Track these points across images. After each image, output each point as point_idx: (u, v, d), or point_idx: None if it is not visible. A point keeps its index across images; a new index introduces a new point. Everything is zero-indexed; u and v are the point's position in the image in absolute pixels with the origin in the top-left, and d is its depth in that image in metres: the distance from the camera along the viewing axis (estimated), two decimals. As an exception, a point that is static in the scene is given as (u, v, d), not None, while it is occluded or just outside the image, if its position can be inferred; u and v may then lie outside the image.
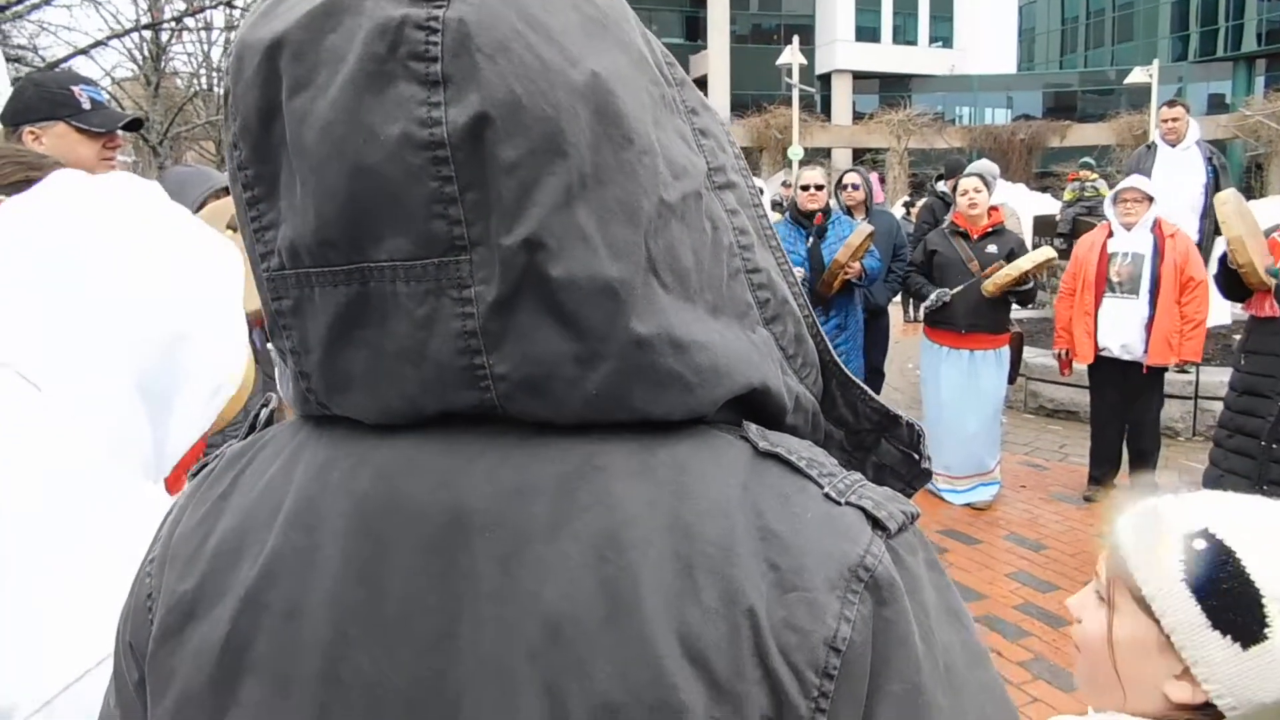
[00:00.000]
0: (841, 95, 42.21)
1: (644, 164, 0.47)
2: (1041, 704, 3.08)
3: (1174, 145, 6.69)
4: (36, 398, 1.02)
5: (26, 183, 1.58)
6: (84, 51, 10.85)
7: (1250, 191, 21.39)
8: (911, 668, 0.46)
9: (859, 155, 33.85)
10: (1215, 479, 3.55)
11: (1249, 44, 41.11)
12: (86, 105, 2.28)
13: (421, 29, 0.44)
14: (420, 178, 0.44)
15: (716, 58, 40.92)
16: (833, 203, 5.29)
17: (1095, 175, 10.57)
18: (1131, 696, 0.94)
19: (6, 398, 1.01)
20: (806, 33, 38.94)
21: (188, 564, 0.54)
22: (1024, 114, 41.60)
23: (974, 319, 4.86)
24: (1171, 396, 5.65)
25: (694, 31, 42.92)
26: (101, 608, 0.90)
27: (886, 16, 43.82)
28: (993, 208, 5.07)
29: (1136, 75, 21.12)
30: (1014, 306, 5.10)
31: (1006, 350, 5.03)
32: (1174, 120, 6.72)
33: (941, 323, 5.00)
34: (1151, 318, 4.50)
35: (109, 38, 11.43)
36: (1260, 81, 39.15)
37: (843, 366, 0.60)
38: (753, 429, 0.52)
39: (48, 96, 2.28)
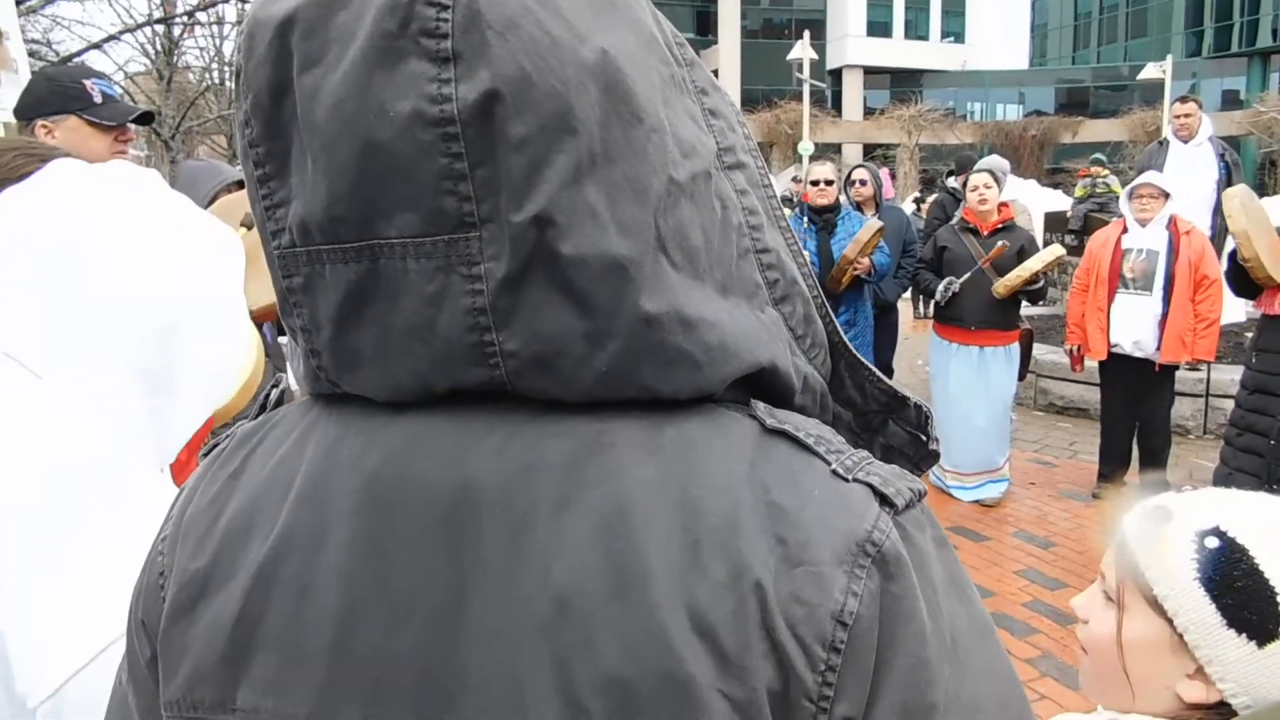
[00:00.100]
0: (852, 90, 42.04)
1: (653, 142, 0.47)
2: (1049, 701, 3.07)
3: (1186, 141, 6.64)
4: (37, 386, 1.02)
5: None
6: (97, 46, 10.92)
7: (1264, 188, 21.24)
8: (918, 642, 0.47)
9: (870, 151, 33.77)
10: (1224, 477, 3.54)
11: (1264, 39, 40.76)
12: (98, 99, 2.29)
13: (432, 5, 0.44)
14: (430, 154, 0.45)
15: (727, 52, 40.82)
16: (842, 198, 5.28)
17: (1107, 171, 10.50)
18: (1141, 697, 0.94)
19: (7, 386, 1.02)
20: (818, 28, 38.79)
21: (200, 542, 0.54)
22: (1036, 110, 41.38)
23: (984, 315, 4.84)
24: (1183, 394, 5.62)
25: (705, 26, 42.80)
26: (106, 593, 0.91)
27: (898, 11, 43.59)
28: (1003, 204, 5.04)
29: (1150, 71, 20.95)
30: (1024, 303, 5.08)
31: (1016, 347, 5.01)
32: (1186, 116, 6.68)
33: (951, 319, 4.98)
34: (1165, 315, 4.47)
35: (122, 32, 11.50)
36: (1275, 78, 38.83)
37: (851, 348, 0.60)
38: (760, 407, 0.52)
39: (60, 90, 2.29)
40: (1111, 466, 4.89)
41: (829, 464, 0.49)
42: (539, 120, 0.44)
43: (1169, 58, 21.32)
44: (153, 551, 0.59)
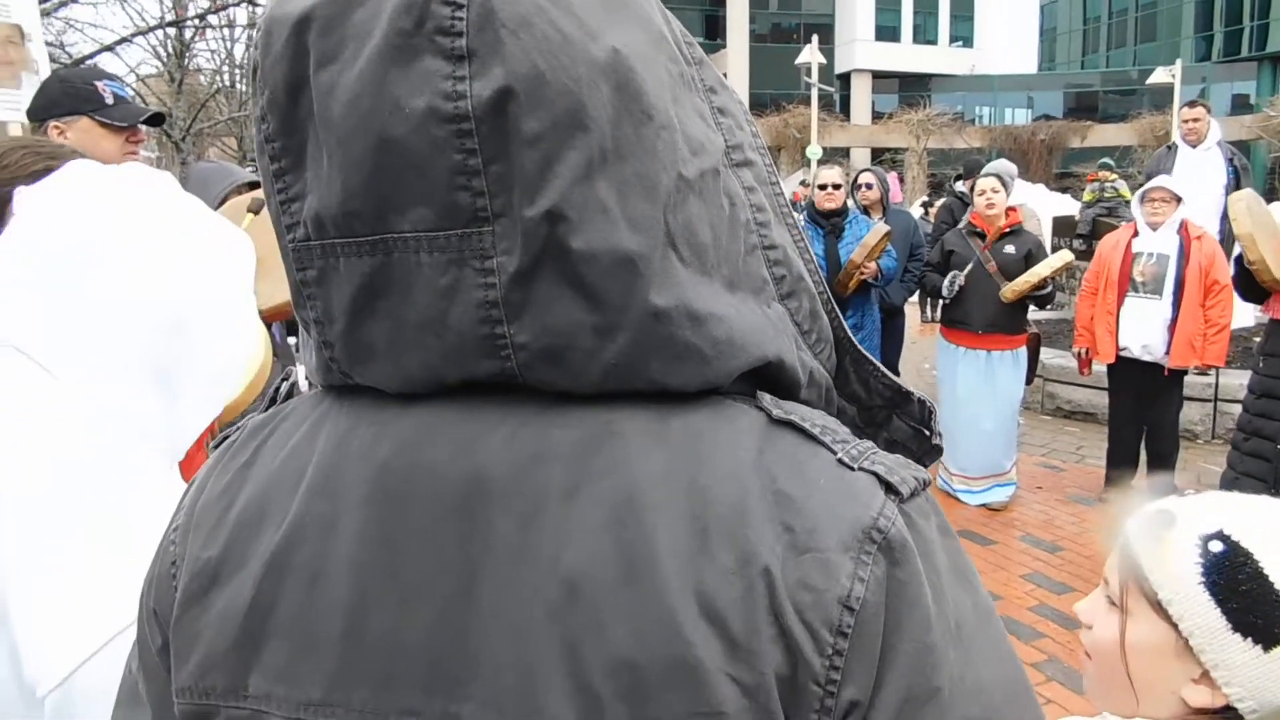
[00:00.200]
0: (861, 95, 42.02)
1: (663, 139, 0.48)
2: (1055, 705, 3.06)
3: (1195, 146, 6.63)
4: (51, 383, 1.04)
5: (46, 172, 1.60)
6: (109, 48, 10.97)
7: (1273, 193, 21.07)
8: (923, 627, 0.47)
9: (878, 155, 33.69)
10: (1231, 481, 3.53)
11: (1274, 44, 40.57)
12: (110, 100, 2.31)
13: (447, 4, 0.45)
14: (444, 150, 0.45)
15: (736, 56, 40.83)
16: (850, 202, 5.28)
17: (1115, 176, 10.47)
18: (1145, 702, 0.93)
19: (22, 383, 1.03)
20: (826, 32, 38.80)
21: (212, 531, 0.55)
22: (1045, 114, 41.25)
23: (991, 319, 4.84)
24: (1191, 399, 5.60)
25: (713, 30, 42.82)
26: (113, 585, 0.92)
27: (906, 16, 43.57)
28: (1010, 208, 5.03)
29: (1159, 75, 20.87)
30: (1031, 308, 5.07)
31: (1024, 351, 5.00)
32: (1194, 121, 6.66)
33: (958, 323, 4.98)
34: (1174, 319, 4.46)
35: (134, 35, 11.55)
36: (1286, 82, 38.72)
37: (855, 343, 0.61)
38: (766, 398, 0.53)
39: (72, 92, 2.31)
40: (1119, 471, 4.87)
41: (835, 453, 0.50)
42: (551, 117, 0.45)
43: (1178, 62, 21.22)
44: (164, 541, 0.60)
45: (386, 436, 0.51)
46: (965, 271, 4.82)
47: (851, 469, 0.50)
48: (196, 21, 13.50)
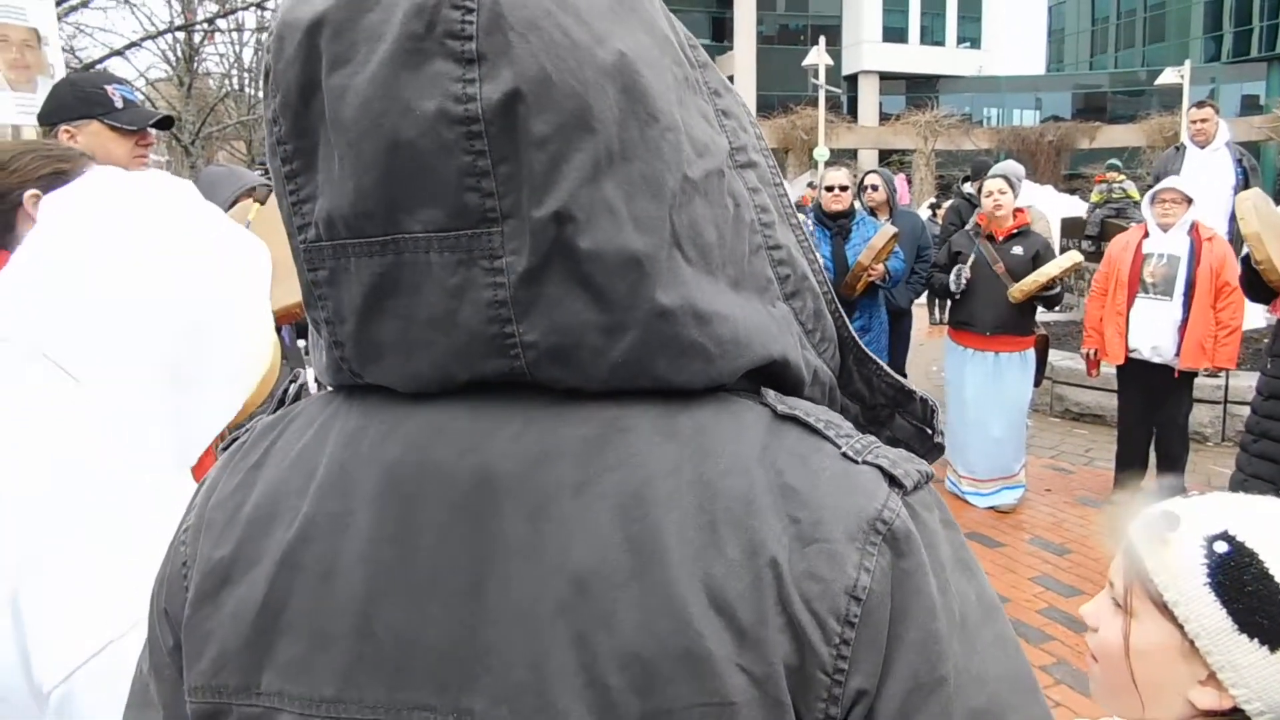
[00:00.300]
0: (868, 96, 41.97)
1: (668, 141, 0.49)
2: (1064, 708, 3.05)
3: (1203, 147, 6.60)
4: (70, 388, 1.06)
5: (55, 175, 1.62)
6: (119, 52, 11.04)
7: (1283, 195, 20.97)
8: (928, 616, 0.48)
9: (885, 156, 33.67)
10: (1239, 483, 3.50)
11: (1285, 45, 40.44)
12: (119, 104, 2.32)
13: (457, 8, 0.46)
14: (454, 151, 0.46)
15: (743, 58, 40.83)
16: (857, 204, 5.27)
17: (1123, 177, 10.45)
18: (1151, 704, 0.93)
19: (41, 389, 1.05)
20: (833, 33, 38.72)
21: (223, 531, 0.56)
22: (1053, 115, 41.18)
23: (999, 321, 4.82)
24: (1200, 401, 5.57)
25: (720, 32, 42.84)
26: (119, 587, 0.95)
27: (914, 17, 43.48)
28: (1018, 209, 5.03)
29: (1168, 76, 20.79)
30: (1040, 309, 5.06)
31: (1032, 353, 4.98)
32: (1202, 121, 6.64)
33: (966, 324, 4.96)
34: (1185, 321, 4.44)
35: (143, 39, 11.62)
36: (1296, 83, 38.54)
37: (859, 342, 0.61)
38: (771, 394, 0.53)
39: (82, 96, 2.33)
40: (1128, 474, 4.85)
41: (839, 447, 0.51)
42: (559, 119, 0.46)
43: (1187, 63, 21.16)
44: (175, 542, 0.61)
45: (396, 435, 0.52)
46: (969, 264, 4.80)
47: (856, 462, 0.50)
48: (205, 26, 13.57)
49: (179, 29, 13.11)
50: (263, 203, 2.18)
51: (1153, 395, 4.65)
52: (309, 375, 2.22)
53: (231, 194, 2.86)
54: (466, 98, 0.45)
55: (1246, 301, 4.24)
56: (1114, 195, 9.97)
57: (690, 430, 0.50)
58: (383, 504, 0.51)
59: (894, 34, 42.90)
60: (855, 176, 5.44)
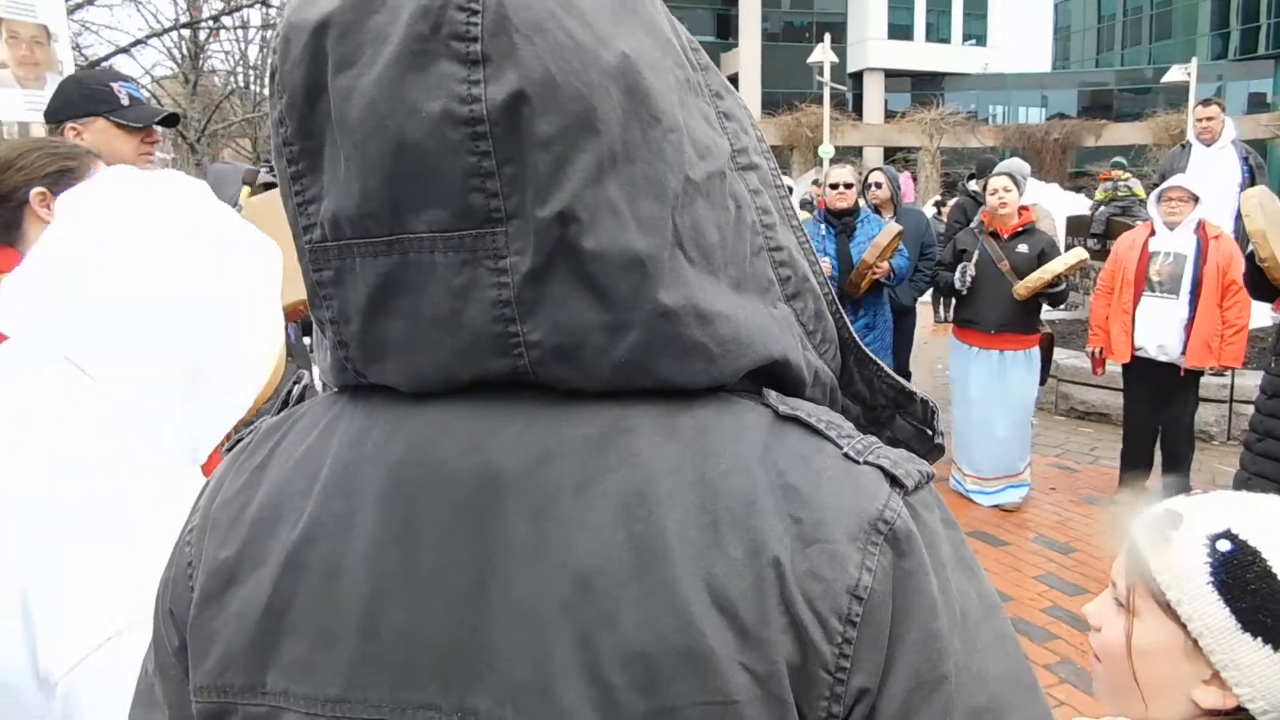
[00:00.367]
0: (873, 93, 41.88)
1: (670, 142, 0.49)
2: (1068, 707, 3.05)
3: (1209, 145, 6.58)
4: (84, 387, 1.07)
5: (61, 173, 1.63)
6: (125, 50, 11.07)
7: (1290, 193, 20.85)
8: (929, 615, 0.49)
9: (890, 154, 33.60)
10: (1243, 482, 3.49)
11: (1292, 42, 40.26)
12: (125, 101, 2.33)
13: (463, 10, 0.46)
14: (459, 152, 0.46)
15: (748, 55, 40.78)
16: (861, 201, 5.27)
17: (1128, 175, 10.40)
18: (1154, 704, 0.93)
19: (62, 387, 1.07)
20: (839, 30, 38.65)
21: (228, 532, 0.56)
22: (1059, 113, 41.03)
23: (1003, 319, 4.82)
24: (1206, 400, 5.56)
25: (725, 29, 42.78)
26: (123, 584, 0.97)
27: (919, 14, 43.37)
28: (1023, 207, 5.01)
29: (1174, 74, 20.69)
30: (1045, 307, 5.05)
31: (1037, 351, 4.98)
32: (1209, 119, 6.61)
33: (971, 323, 4.96)
34: (1191, 319, 4.43)
35: (148, 36, 11.65)
36: (1303, 80, 38.37)
37: (860, 343, 0.62)
38: (772, 395, 0.54)
39: (88, 93, 2.33)
40: (1133, 472, 4.84)
41: (840, 447, 0.51)
42: (563, 120, 0.46)
43: (1194, 60, 21.04)
44: (180, 543, 0.61)
45: (400, 434, 0.52)
46: (974, 262, 4.79)
47: (857, 462, 0.51)
48: (210, 23, 13.60)
49: (184, 26, 13.15)
50: (251, 184, 2.16)
51: (1158, 394, 4.64)
52: (315, 375, 2.23)
53: (238, 190, 2.87)
54: (471, 99, 0.46)
55: (1253, 300, 4.23)
56: (1119, 193, 9.93)
57: (692, 430, 0.50)
58: (386, 504, 0.51)
59: (899, 31, 42.80)
60: (860, 174, 5.43)
